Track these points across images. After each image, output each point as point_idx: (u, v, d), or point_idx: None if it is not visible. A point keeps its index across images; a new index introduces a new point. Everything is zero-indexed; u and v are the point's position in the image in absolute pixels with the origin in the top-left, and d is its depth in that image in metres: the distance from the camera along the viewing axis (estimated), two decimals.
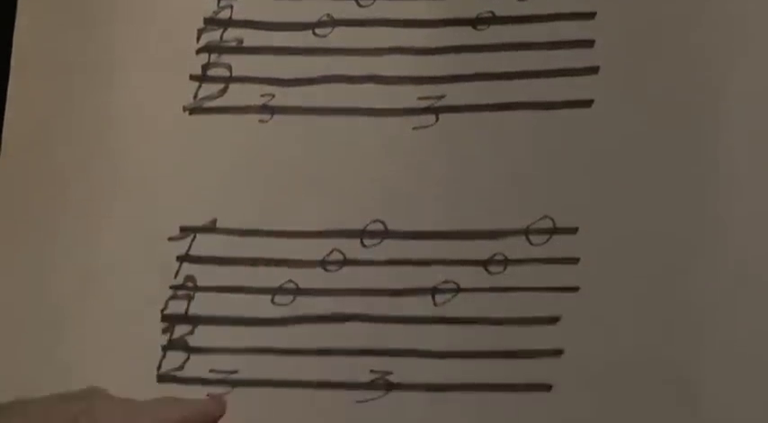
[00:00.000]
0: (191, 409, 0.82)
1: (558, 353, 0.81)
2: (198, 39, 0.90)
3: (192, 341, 0.86)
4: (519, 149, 0.85)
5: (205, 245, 0.87)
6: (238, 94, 0.89)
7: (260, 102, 0.88)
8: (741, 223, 0.80)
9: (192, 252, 0.87)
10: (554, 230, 0.83)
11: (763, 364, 0.77)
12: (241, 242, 0.86)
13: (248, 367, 0.85)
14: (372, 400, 0.83)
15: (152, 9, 0.92)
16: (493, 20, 0.87)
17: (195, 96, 0.89)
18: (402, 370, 0.83)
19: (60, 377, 0.85)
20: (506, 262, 0.83)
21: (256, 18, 0.90)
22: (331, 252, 0.85)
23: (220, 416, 0.83)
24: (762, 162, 0.81)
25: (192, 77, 0.90)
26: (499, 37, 0.86)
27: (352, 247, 0.85)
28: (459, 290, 0.83)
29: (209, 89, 0.89)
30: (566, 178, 0.83)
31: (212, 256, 0.87)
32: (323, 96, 0.88)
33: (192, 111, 0.89)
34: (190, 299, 0.87)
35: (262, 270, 0.86)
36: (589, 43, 0.85)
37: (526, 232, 0.83)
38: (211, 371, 0.85)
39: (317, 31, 0.89)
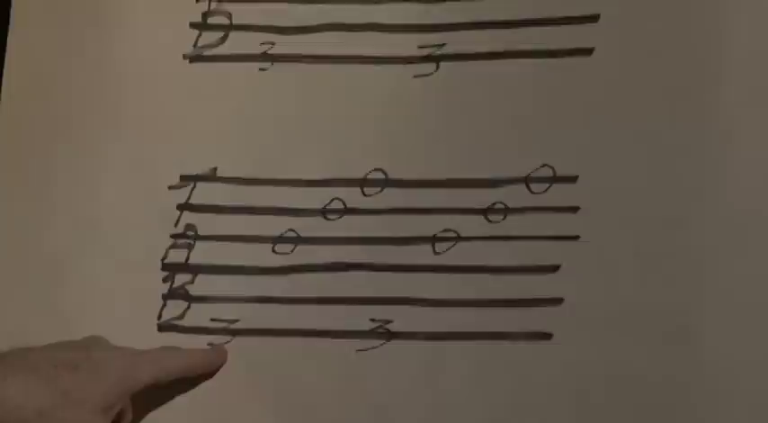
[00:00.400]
0: (192, 358, 0.83)
1: (557, 301, 0.81)
2: None
3: (193, 290, 0.86)
4: (519, 98, 0.85)
5: (205, 193, 0.87)
6: (238, 43, 0.88)
7: (260, 50, 0.88)
8: (741, 171, 0.80)
9: (193, 201, 0.87)
10: (554, 179, 0.83)
11: (762, 310, 0.78)
12: (241, 191, 0.86)
13: (249, 316, 0.85)
14: (373, 348, 0.83)
15: None
16: None
17: (195, 44, 0.89)
18: (402, 319, 0.83)
19: (60, 326, 0.86)
20: (506, 210, 0.83)
21: None
22: (331, 201, 0.86)
23: (222, 364, 0.84)
24: (762, 110, 0.81)
25: (193, 25, 0.89)
26: None
27: (352, 196, 0.85)
28: (459, 238, 0.83)
29: (209, 37, 0.89)
30: (566, 127, 0.83)
31: (213, 204, 0.87)
32: (323, 45, 0.87)
33: (193, 59, 0.89)
34: (190, 248, 0.87)
35: (262, 219, 0.86)
36: None
37: (526, 181, 0.83)
38: (212, 320, 0.85)
39: None
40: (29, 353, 0.77)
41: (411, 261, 0.84)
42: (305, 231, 0.85)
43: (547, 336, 0.81)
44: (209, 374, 0.84)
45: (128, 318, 0.86)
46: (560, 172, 0.83)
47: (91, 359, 0.77)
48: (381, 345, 0.83)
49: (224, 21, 0.89)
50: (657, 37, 0.83)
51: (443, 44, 0.86)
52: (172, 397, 0.82)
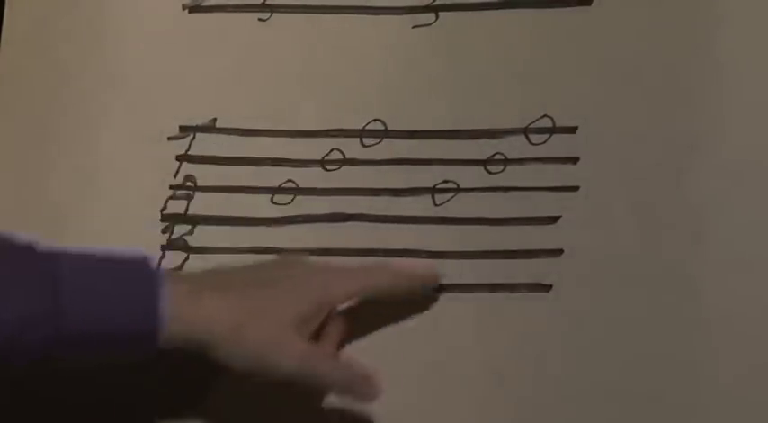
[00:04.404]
0: (399, 276, 0.80)
1: (557, 252, 0.81)
2: None
3: (192, 241, 0.86)
4: (519, 48, 0.85)
5: (205, 144, 0.87)
6: None
7: (259, 0, 0.88)
8: (740, 120, 0.80)
9: (192, 152, 0.87)
10: (553, 130, 0.83)
11: (760, 259, 0.77)
12: (241, 141, 0.87)
13: None
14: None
15: None
16: None
17: None
18: None
19: None
20: (506, 161, 0.83)
21: None
22: (330, 151, 0.85)
23: (435, 284, 0.82)
24: (760, 58, 0.80)
25: None
26: None
27: (351, 147, 0.85)
28: (458, 190, 0.83)
29: None
30: (565, 77, 0.83)
31: (212, 155, 0.87)
32: None
33: (192, 9, 0.89)
34: (189, 199, 0.87)
35: (261, 170, 0.86)
36: None
37: (526, 132, 0.83)
38: None
39: None
40: (226, 272, 0.77)
41: (410, 212, 0.84)
42: (304, 182, 0.85)
43: (546, 287, 0.80)
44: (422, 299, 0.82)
45: None
46: (560, 123, 0.82)
47: (284, 276, 0.77)
48: None
49: None
50: None
51: None
52: None
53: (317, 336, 0.78)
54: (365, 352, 0.81)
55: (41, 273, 0.68)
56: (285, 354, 0.73)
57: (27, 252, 0.70)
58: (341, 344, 0.80)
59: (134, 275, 0.71)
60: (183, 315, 0.71)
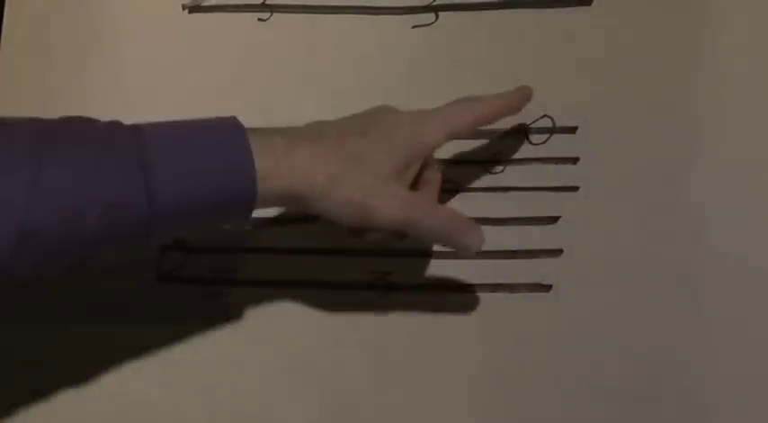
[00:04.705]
0: (487, 107, 0.78)
1: (557, 253, 0.81)
2: None
3: (191, 241, 0.86)
4: (518, 48, 0.85)
5: None
6: None
7: (259, 0, 0.88)
8: (741, 120, 0.80)
9: None
10: (553, 130, 0.83)
11: (762, 260, 0.77)
12: None
13: (247, 267, 0.85)
14: (372, 300, 0.83)
15: None
16: None
17: None
18: (402, 270, 0.83)
19: None
20: (506, 161, 0.83)
21: None
22: None
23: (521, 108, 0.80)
24: (760, 58, 0.81)
25: None
26: None
27: None
28: (458, 190, 0.83)
29: None
30: (565, 77, 0.83)
31: None
32: None
33: (192, 9, 0.89)
34: None
35: None
36: None
37: (526, 131, 0.83)
38: (211, 270, 0.85)
39: None
40: (317, 124, 0.75)
41: None
42: None
43: (546, 287, 0.80)
44: None
45: (127, 269, 0.86)
46: (560, 123, 0.82)
47: (378, 124, 0.74)
48: (381, 297, 0.83)
49: None
50: None
51: None
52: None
53: (416, 184, 0.77)
54: (364, 351, 0.81)
55: (127, 156, 0.66)
56: (385, 203, 0.72)
57: (109, 133, 0.68)
58: (441, 191, 0.80)
59: (222, 136, 0.70)
60: (277, 171, 0.69)
